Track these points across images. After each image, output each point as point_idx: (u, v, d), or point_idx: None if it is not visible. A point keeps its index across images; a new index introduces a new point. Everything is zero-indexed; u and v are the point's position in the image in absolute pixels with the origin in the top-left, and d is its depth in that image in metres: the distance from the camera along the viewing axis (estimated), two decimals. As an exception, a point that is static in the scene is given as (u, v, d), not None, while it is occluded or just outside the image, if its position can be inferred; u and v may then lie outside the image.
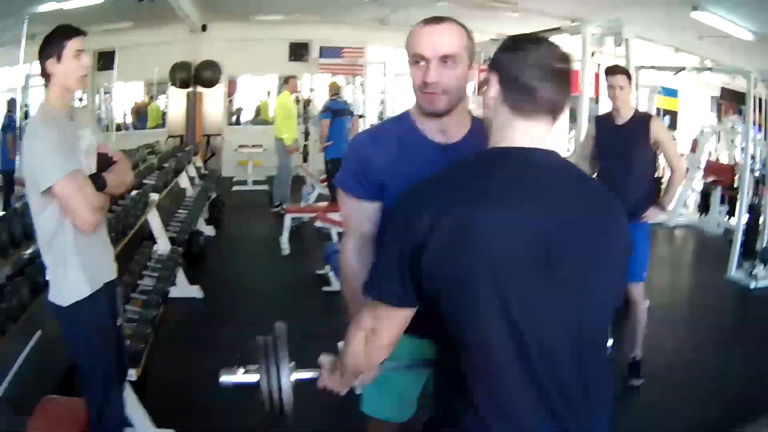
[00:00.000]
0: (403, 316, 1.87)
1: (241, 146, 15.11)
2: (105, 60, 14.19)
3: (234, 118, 17.41)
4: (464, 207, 1.69)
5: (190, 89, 14.05)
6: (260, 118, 17.74)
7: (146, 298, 5.06)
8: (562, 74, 1.85)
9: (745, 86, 9.14)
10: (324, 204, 10.43)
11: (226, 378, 2.27)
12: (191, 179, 9.82)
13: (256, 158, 14.95)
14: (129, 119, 15.19)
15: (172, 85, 14.04)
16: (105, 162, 3.50)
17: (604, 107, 6.85)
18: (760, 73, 8.95)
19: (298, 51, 16.22)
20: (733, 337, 6.76)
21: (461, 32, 2.41)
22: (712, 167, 12.62)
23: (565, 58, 1.86)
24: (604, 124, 5.64)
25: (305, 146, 12.79)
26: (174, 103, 14.87)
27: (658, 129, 5.46)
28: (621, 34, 7.61)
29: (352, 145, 2.73)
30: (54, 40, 3.22)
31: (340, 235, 8.67)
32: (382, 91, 17.07)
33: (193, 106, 14.16)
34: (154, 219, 6.60)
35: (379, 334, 1.92)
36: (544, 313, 1.72)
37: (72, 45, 3.23)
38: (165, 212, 7.33)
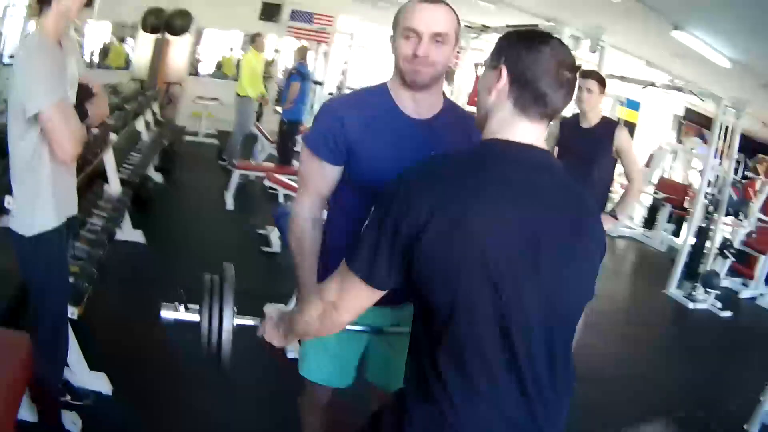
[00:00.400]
0: (374, 297, 1.91)
1: (199, 97, 14.98)
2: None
3: (194, 69, 17.14)
4: (465, 199, 1.72)
5: (159, 36, 13.87)
6: (221, 72, 17.59)
7: (94, 238, 5.03)
8: (571, 83, 1.88)
9: (712, 111, 9.30)
10: (273, 165, 10.53)
11: (166, 313, 2.31)
12: (147, 124, 9.73)
13: (210, 111, 14.88)
14: (96, 58, 14.95)
15: (142, 29, 13.85)
16: (86, 93, 3.46)
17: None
18: (731, 101, 9.10)
19: (270, 11, 16.02)
20: (665, 348, 7.36)
21: (452, 14, 2.53)
22: (664, 184, 12.98)
23: (576, 67, 1.89)
24: (569, 125, 5.70)
25: (260, 105, 12.69)
26: (141, 47, 14.60)
27: (623, 138, 5.55)
28: (598, 41, 7.63)
29: (328, 107, 2.76)
30: None
31: (287, 196, 8.73)
32: (345, 62, 17.01)
33: (160, 52, 13.98)
34: (109, 160, 6.52)
35: (340, 310, 1.96)
36: (527, 303, 1.77)
37: None
38: (119, 154, 7.21)
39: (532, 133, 1.88)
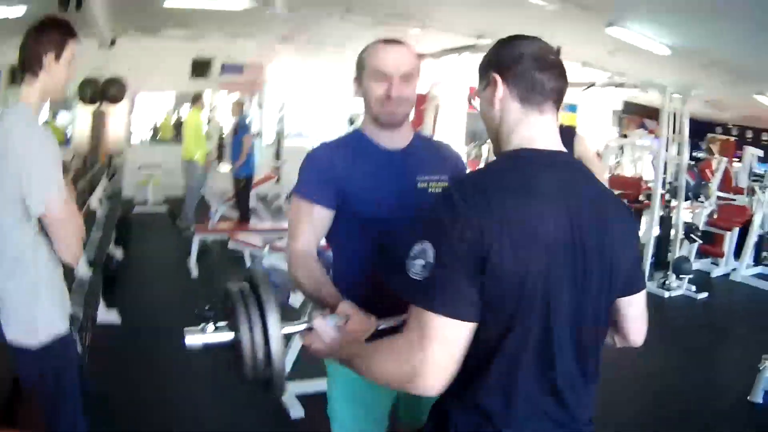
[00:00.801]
0: (470, 330, 1.76)
1: (142, 166, 14.78)
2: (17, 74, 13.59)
3: (132, 137, 16.84)
4: (520, 208, 1.74)
5: (96, 106, 13.72)
6: (159, 137, 17.43)
7: (78, 326, 4.87)
8: (558, 64, 1.94)
9: (653, 100, 9.37)
10: (232, 224, 10.40)
11: (192, 338, 1.97)
12: (99, 200, 9.57)
13: (155, 178, 14.70)
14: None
15: (80, 101, 13.69)
16: None
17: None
18: (676, 87, 9.19)
19: (201, 67, 15.92)
20: (650, 340, 7.03)
21: (414, 53, 2.74)
22: (616, 180, 13.06)
23: (556, 51, 1.97)
24: None
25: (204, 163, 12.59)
26: (80, 120, 14.38)
27: (582, 147, 5.56)
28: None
29: (313, 155, 2.80)
30: (56, 33, 2.91)
31: (253, 256, 8.61)
32: (280, 109, 16.87)
33: (99, 123, 13.82)
34: None
35: (424, 361, 1.73)
36: (566, 303, 1.80)
37: (71, 47, 2.95)
38: (80, 234, 7.07)
39: (546, 126, 1.94)
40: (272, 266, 6.47)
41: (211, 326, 1.98)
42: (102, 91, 13.47)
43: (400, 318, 2.15)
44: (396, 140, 2.78)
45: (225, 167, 14.08)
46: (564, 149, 1.98)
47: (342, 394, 2.83)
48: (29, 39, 2.88)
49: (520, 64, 1.90)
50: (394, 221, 2.41)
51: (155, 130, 17.59)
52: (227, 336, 1.98)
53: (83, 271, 6.24)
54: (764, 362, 5.74)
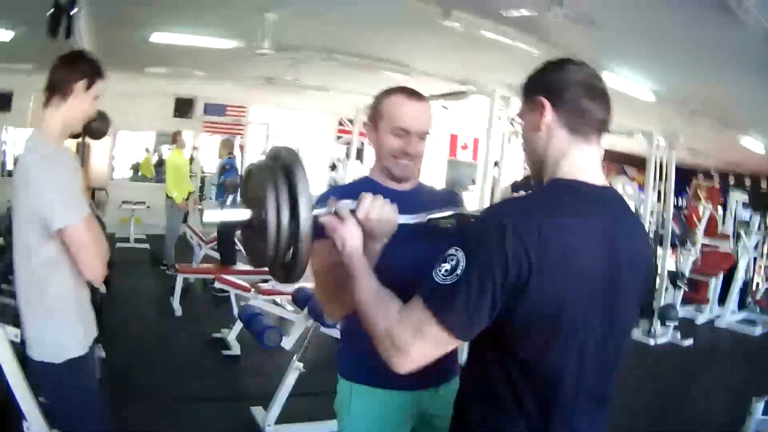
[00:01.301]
0: (450, 348, 1.84)
1: (125, 202, 14.67)
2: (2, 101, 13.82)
3: (113, 173, 16.80)
4: (565, 241, 1.73)
5: (80, 140, 13.67)
6: (140, 174, 17.35)
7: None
8: (606, 93, 1.93)
9: (629, 147, 9.40)
10: (216, 265, 10.24)
11: (210, 215, 1.94)
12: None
13: (137, 215, 14.59)
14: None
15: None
16: None
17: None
18: (663, 134, 9.23)
19: (183, 107, 15.94)
20: (637, 389, 7.21)
21: (432, 110, 2.73)
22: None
23: (601, 77, 1.94)
24: (522, 189, 5.67)
25: (186, 202, 12.46)
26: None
27: None
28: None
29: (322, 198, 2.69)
30: (92, 67, 3.06)
31: (237, 297, 8.50)
32: (262, 152, 16.71)
33: (83, 158, 13.77)
34: None
35: (412, 356, 1.81)
36: (600, 324, 1.83)
37: (101, 86, 3.08)
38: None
39: (594, 156, 1.92)
40: (262, 309, 6.43)
41: (228, 202, 1.91)
42: (86, 125, 13.42)
43: (423, 216, 2.29)
44: (404, 186, 2.78)
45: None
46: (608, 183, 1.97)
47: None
48: (63, 64, 3.01)
49: (569, 91, 1.89)
50: (408, 257, 2.41)
51: (136, 168, 17.47)
52: (245, 213, 1.95)
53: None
54: (754, 404, 5.70)
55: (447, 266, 1.74)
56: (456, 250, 1.75)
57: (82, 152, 13.69)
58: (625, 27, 8.25)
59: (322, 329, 5.70)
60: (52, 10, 6.30)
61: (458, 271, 1.72)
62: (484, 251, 1.71)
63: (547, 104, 1.90)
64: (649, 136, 9.39)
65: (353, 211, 2.09)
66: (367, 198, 2.13)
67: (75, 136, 13.41)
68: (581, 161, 1.90)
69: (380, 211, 2.13)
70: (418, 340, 1.78)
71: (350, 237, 2.07)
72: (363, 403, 2.68)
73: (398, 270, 2.23)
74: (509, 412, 1.82)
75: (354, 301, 2.02)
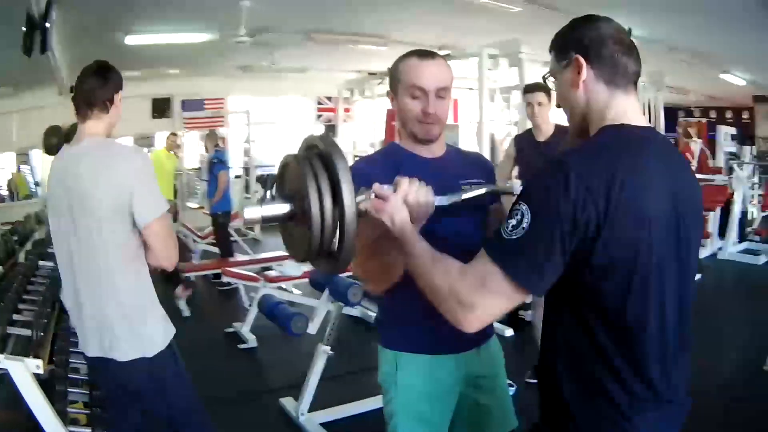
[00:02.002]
0: (517, 303, 1.85)
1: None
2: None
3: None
4: (632, 177, 1.72)
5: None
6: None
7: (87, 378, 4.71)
8: (633, 44, 1.96)
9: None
10: (221, 260, 10.16)
11: (251, 212, 1.94)
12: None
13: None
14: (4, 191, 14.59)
15: (45, 152, 13.53)
16: None
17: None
18: (649, 75, 9.23)
19: (161, 106, 15.78)
20: None
21: (449, 67, 2.67)
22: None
23: (626, 30, 1.99)
24: (525, 142, 5.66)
25: (174, 204, 12.31)
26: (47, 169, 14.00)
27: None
28: (518, 54, 7.58)
29: (357, 170, 2.54)
30: (118, 77, 3.27)
31: (247, 288, 8.50)
32: (245, 140, 16.70)
33: (66, 172, 13.66)
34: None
35: (477, 312, 1.82)
36: (673, 269, 1.83)
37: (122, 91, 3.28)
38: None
39: (633, 104, 1.95)
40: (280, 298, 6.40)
41: (268, 197, 1.95)
42: (66, 139, 13.32)
43: (458, 196, 2.30)
44: (434, 150, 2.75)
45: (193, 204, 14.04)
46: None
47: (403, 409, 2.71)
48: (97, 78, 3.20)
49: (604, 47, 1.91)
50: (443, 226, 2.42)
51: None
52: (284, 207, 1.96)
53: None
54: None
55: (513, 221, 1.75)
56: (520, 203, 1.76)
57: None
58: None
59: (344, 310, 5.68)
60: (25, 27, 6.20)
61: (524, 225, 1.73)
62: (549, 201, 1.71)
63: (584, 62, 1.91)
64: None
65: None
66: (404, 182, 2.14)
67: (56, 150, 13.36)
68: (623, 109, 1.91)
69: (417, 195, 2.14)
70: (487, 296, 1.79)
71: (398, 212, 2.08)
72: (410, 372, 2.68)
73: (439, 239, 2.21)
74: (594, 365, 1.82)
75: (410, 270, 2.06)
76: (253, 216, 1.94)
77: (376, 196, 2.10)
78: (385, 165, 2.62)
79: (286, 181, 2.04)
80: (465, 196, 2.32)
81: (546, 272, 1.74)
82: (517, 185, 2.60)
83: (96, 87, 3.17)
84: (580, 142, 1.98)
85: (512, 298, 1.79)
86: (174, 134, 12.17)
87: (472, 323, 1.83)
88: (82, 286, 3.08)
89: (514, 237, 1.74)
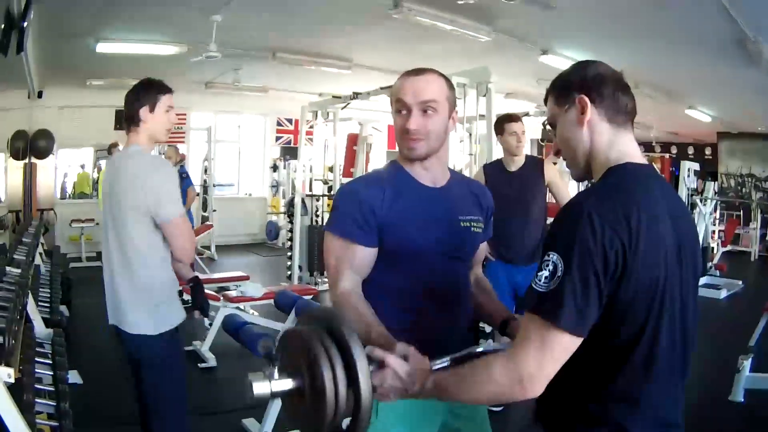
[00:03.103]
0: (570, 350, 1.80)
1: (74, 221, 14.23)
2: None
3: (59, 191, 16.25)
4: (646, 218, 1.77)
5: (26, 160, 13.42)
6: (80, 192, 16.92)
7: (55, 389, 4.59)
8: (628, 84, 2.03)
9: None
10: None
11: (260, 387, 1.81)
12: (41, 255, 9.26)
13: (87, 233, 14.21)
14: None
15: (11, 156, 13.38)
16: None
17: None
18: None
19: (120, 119, 15.52)
20: None
21: (442, 82, 2.59)
22: (555, 207, 13.23)
23: (620, 72, 2.04)
24: (495, 172, 5.68)
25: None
26: (12, 175, 14.04)
27: (552, 171, 5.61)
28: (487, 84, 7.53)
29: (350, 190, 2.67)
30: (149, 92, 3.62)
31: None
32: (205, 158, 16.50)
33: (30, 178, 13.51)
34: (30, 301, 5.97)
35: (542, 379, 1.78)
36: (680, 310, 1.88)
37: (165, 100, 3.66)
38: (32, 292, 6.78)
39: (633, 142, 2.01)
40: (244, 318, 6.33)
41: (276, 373, 1.84)
42: (30, 145, 13.21)
43: (447, 358, 2.13)
44: (435, 175, 2.69)
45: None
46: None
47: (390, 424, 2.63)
48: (129, 97, 3.65)
49: (605, 87, 1.97)
50: (438, 256, 2.49)
51: (74, 185, 17.01)
52: (294, 383, 1.83)
53: (42, 331, 5.96)
54: (741, 362, 5.95)
55: (545, 273, 1.77)
56: (549, 254, 1.78)
57: (30, 172, 13.55)
58: (574, 8, 8.32)
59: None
60: (3, 25, 6.10)
61: (559, 273, 1.74)
62: (579, 246, 1.73)
63: (588, 101, 1.96)
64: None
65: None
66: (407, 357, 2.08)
67: (22, 157, 13.16)
68: (626, 147, 1.97)
69: (419, 367, 2.06)
70: (546, 355, 1.76)
71: (404, 386, 2.03)
72: None
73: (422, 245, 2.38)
74: (608, 399, 1.85)
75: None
76: (263, 392, 1.82)
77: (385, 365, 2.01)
78: (385, 188, 2.58)
79: (289, 356, 1.90)
80: (454, 356, 2.16)
81: (588, 316, 1.75)
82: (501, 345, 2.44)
83: (126, 102, 3.65)
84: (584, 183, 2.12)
85: (570, 346, 1.77)
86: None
87: (537, 388, 1.80)
88: (112, 268, 3.69)
89: (552, 288, 1.75)
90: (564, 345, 1.76)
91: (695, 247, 2.02)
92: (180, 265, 3.83)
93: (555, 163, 6.63)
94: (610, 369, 1.83)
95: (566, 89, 2.02)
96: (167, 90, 3.70)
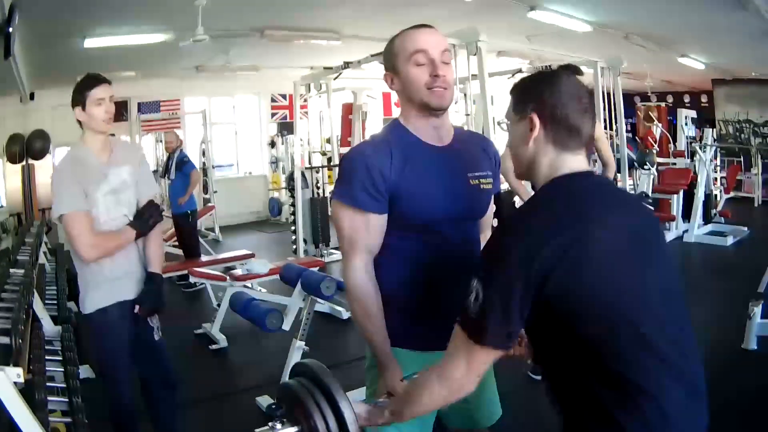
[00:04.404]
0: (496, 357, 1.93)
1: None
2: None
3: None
4: (580, 227, 1.80)
5: (23, 163, 13.39)
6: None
7: (67, 386, 4.58)
8: (590, 107, 1.99)
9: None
10: (185, 261, 10.07)
11: None
12: (45, 255, 9.28)
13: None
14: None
15: (7, 160, 13.36)
16: (153, 209, 4.14)
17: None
18: (607, 62, 9.24)
19: (118, 110, 15.38)
20: None
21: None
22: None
23: (589, 90, 2.04)
24: None
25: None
26: (10, 179, 13.98)
27: (599, 130, 5.65)
28: (477, 43, 7.49)
29: (358, 156, 2.61)
30: (78, 92, 3.81)
31: (214, 287, 8.36)
32: (201, 141, 16.44)
33: (29, 180, 13.48)
34: (37, 300, 6.00)
35: (470, 383, 1.97)
36: (652, 294, 1.88)
37: (95, 93, 3.80)
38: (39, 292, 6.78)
39: (580, 163, 1.99)
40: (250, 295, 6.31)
41: (279, 424, 2.02)
42: (27, 147, 13.17)
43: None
44: (441, 134, 2.67)
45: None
46: None
47: None
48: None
49: (559, 108, 1.94)
50: (450, 221, 2.48)
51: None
52: (295, 429, 2.03)
53: (51, 329, 5.96)
54: (752, 309, 5.92)
55: (471, 297, 1.85)
56: (473, 280, 1.87)
57: (28, 174, 13.52)
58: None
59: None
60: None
61: (480, 300, 1.83)
62: (496, 271, 1.83)
63: (537, 120, 1.96)
64: (594, 64, 9.35)
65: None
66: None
67: (18, 159, 13.17)
68: (570, 168, 1.97)
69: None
70: (472, 365, 1.93)
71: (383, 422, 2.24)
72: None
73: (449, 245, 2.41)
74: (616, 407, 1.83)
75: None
76: None
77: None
78: (392, 153, 2.54)
79: (290, 404, 2.09)
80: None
81: (513, 331, 1.85)
82: None
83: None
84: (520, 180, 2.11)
85: (493, 359, 1.92)
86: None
87: (472, 387, 1.99)
88: None
89: (475, 311, 1.84)
90: (488, 356, 1.90)
91: (660, 238, 2.09)
92: (150, 258, 4.20)
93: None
94: (589, 374, 1.86)
95: (523, 100, 2.02)
96: (96, 83, 3.84)
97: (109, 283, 3.97)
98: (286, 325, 5.60)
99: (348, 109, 12.80)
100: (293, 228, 11.85)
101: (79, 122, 3.88)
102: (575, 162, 1.97)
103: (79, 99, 3.80)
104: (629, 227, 1.91)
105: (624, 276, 1.82)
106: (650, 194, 10.95)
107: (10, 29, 6.03)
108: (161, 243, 4.48)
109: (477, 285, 1.83)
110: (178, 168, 10.58)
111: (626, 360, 1.79)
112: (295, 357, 5.21)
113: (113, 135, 4.19)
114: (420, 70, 2.51)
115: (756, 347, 5.94)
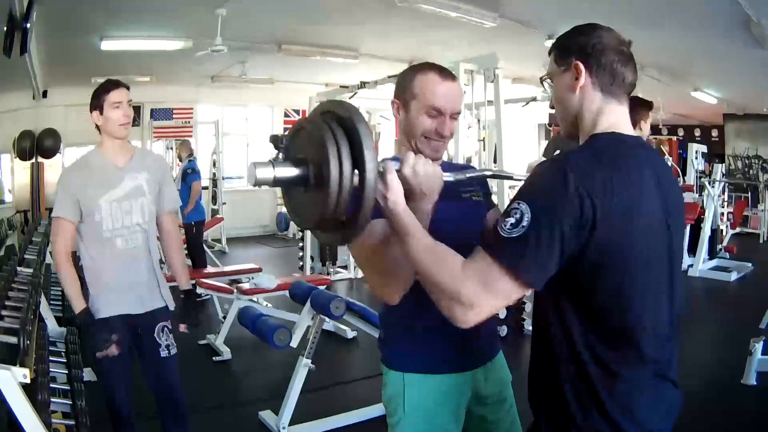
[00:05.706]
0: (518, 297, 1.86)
1: (80, 219, 14.10)
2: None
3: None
4: (624, 183, 1.77)
5: (33, 160, 13.43)
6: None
7: (71, 388, 4.60)
8: (632, 56, 2.00)
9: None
10: (192, 271, 9.98)
11: (263, 172, 1.82)
12: (51, 254, 9.29)
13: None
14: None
15: (17, 157, 13.38)
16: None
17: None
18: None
19: (131, 113, 15.51)
20: None
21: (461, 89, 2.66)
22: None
23: (629, 41, 2.01)
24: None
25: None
26: (19, 175, 14.04)
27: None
28: (494, 70, 7.52)
29: None
30: (96, 97, 3.82)
31: (220, 299, 8.38)
32: (213, 152, 16.48)
33: (37, 178, 13.52)
34: (42, 300, 6.01)
35: (479, 311, 1.82)
36: (665, 262, 1.89)
37: (111, 97, 3.80)
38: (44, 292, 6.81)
39: (625, 115, 2.00)
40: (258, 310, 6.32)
41: (280, 159, 1.87)
42: (37, 144, 13.21)
43: (463, 174, 2.31)
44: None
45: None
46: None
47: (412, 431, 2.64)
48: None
49: (603, 56, 1.94)
50: (447, 234, 2.29)
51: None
52: (297, 170, 1.87)
53: (55, 330, 5.99)
54: (753, 345, 5.89)
55: (511, 219, 1.76)
56: (518, 203, 1.77)
57: (37, 172, 13.54)
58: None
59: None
60: (6, 27, 6.10)
61: (524, 223, 1.74)
62: (548, 199, 1.74)
63: (583, 68, 1.96)
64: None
65: (398, 171, 2.05)
66: (410, 156, 2.09)
67: (28, 157, 13.19)
68: (616, 119, 1.96)
69: (425, 167, 2.09)
70: (488, 295, 1.79)
71: (390, 190, 1.99)
72: (418, 392, 2.58)
73: (449, 220, 2.27)
74: (582, 362, 1.85)
75: (405, 254, 2.00)
76: (266, 176, 1.82)
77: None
78: None
79: (297, 146, 1.95)
80: (470, 174, 2.37)
81: (548, 269, 1.76)
82: (516, 172, 2.60)
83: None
84: (572, 142, 2.06)
85: (514, 294, 1.81)
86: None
87: (469, 320, 1.83)
88: None
89: (515, 236, 1.74)
90: (511, 292, 1.79)
91: (682, 223, 2.06)
92: (178, 275, 4.48)
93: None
94: (590, 332, 1.84)
95: (566, 51, 2.01)
96: (113, 86, 3.84)
97: (113, 293, 3.93)
98: (294, 342, 5.61)
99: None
100: (300, 244, 11.86)
101: (98, 127, 3.87)
102: (621, 114, 1.98)
103: (96, 103, 3.81)
104: (663, 197, 1.89)
105: (652, 251, 1.83)
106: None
107: (27, 24, 6.06)
108: (183, 258, 4.63)
109: (523, 208, 1.75)
110: (182, 178, 10.63)
111: (629, 320, 1.82)
112: (300, 375, 5.20)
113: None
114: (429, 121, 2.56)
115: (755, 383, 5.91)
